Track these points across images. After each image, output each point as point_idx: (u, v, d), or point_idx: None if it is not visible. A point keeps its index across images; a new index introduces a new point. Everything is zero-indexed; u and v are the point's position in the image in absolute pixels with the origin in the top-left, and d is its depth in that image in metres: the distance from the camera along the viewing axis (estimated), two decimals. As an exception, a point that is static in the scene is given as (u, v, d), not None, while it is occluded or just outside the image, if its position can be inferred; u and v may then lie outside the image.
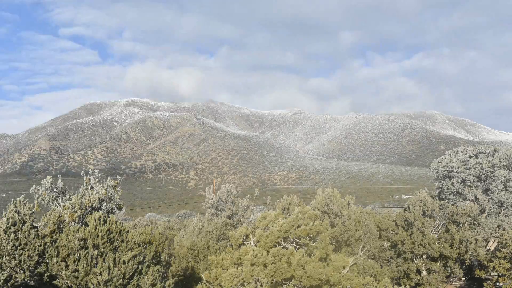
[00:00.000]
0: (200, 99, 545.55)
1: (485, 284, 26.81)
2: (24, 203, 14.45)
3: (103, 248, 14.14)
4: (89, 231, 14.16)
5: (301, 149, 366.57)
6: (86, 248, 13.97)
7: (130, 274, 13.68)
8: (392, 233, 28.76)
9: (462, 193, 31.94)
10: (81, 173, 18.84)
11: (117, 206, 18.55)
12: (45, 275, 13.64)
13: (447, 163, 33.33)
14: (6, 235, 13.29)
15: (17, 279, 12.93)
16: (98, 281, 13.20)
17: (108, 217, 14.89)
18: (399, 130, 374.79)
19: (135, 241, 15.19)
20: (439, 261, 27.83)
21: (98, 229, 14.24)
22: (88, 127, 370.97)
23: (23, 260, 13.23)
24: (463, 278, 31.09)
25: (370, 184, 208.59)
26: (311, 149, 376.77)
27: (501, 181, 31.03)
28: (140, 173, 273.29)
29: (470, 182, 32.09)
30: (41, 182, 17.45)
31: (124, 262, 13.62)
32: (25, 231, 13.51)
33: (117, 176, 20.90)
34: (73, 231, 14.24)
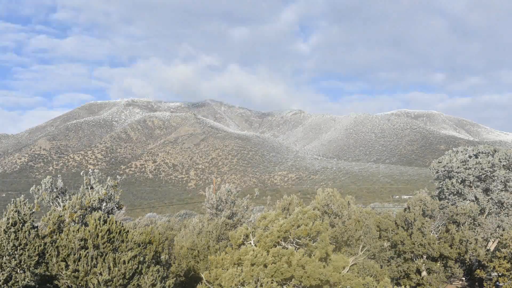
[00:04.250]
0: (200, 98, 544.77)
1: (485, 284, 26.80)
2: (24, 203, 14.45)
3: (103, 248, 14.13)
4: (89, 231, 14.15)
5: (301, 149, 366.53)
6: (86, 248, 13.97)
7: (130, 274, 13.68)
8: (392, 233, 28.76)
9: (462, 193, 31.93)
10: (81, 173, 18.85)
11: (117, 206, 18.55)
12: (45, 275, 13.64)
13: (447, 163, 33.32)
14: (6, 235, 13.28)
15: (17, 279, 12.93)
16: (98, 281, 13.20)
17: (108, 217, 14.88)
18: (399, 130, 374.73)
19: (135, 241, 15.19)
20: (439, 261, 27.83)
21: (98, 229, 14.23)
22: (88, 127, 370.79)
23: (23, 260, 13.22)
24: (464, 278, 31.08)
25: (370, 184, 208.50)
26: (311, 149, 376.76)
27: (501, 181, 31.02)
28: (140, 173, 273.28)
29: (470, 182, 32.08)
30: (41, 182, 17.45)
31: (124, 262, 13.62)
32: (25, 231, 13.51)
33: (117, 176, 20.91)
34: (73, 231, 14.24)
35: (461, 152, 34.59)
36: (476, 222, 29.15)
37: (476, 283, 29.77)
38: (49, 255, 13.70)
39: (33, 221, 14.26)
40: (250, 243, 16.93)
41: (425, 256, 27.69)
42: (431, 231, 28.01)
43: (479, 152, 33.66)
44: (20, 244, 13.35)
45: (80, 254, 13.66)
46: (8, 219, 13.62)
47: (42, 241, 13.81)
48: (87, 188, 18.15)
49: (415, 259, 27.91)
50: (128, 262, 13.69)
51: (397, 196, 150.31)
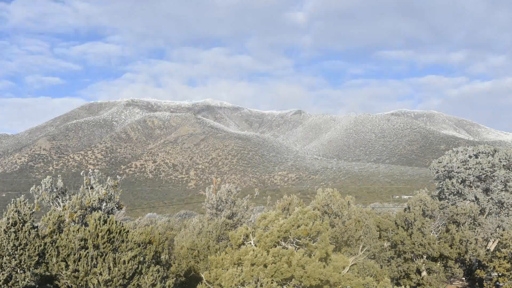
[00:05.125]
0: (200, 98, 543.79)
1: (485, 284, 26.81)
2: (24, 203, 14.44)
3: (103, 248, 14.13)
4: (89, 231, 14.15)
5: (301, 149, 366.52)
6: (86, 248, 13.97)
7: (130, 274, 13.68)
8: (392, 233, 28.76)
9: (462, 193, 31.92)
10: (81, 173, 18.84)
11: (117, 206, 18.55)
12: (45, 275, 13.63)
13: (447, 163, 33.32)
14: (6, 235, 13.28)
15: (17, 279, 12.93)
16: (98, 281, 13.20)
17: (108, 217, 14.87)
18: (399, 130, 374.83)
19: (135, 241, 15.19)
20: (439, 261, 27.83)
21: (98, 229, 14.23)
22: (88, 127, 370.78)
23: (23, 260, 13.22)
24: (464, 278, 31.09)
25: (370, 184, 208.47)
26: (311, 149, 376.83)
27: (501, 181, 31.02)
28: (140, 173, 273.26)
29: (470, 182, 32.08)
30: (41, 182, 17.44)
31: (124, 262, 13.62)
32: (25, 231, 13.51)
33: (117, 176, 20.90)
34: (73, 231, 14.24)
35: (461, 152, 34.58)
36: (476, 222, 29.15)
37: (476, 283, 29.77)
38: (49, 255, 13.70)
39: (33, 221, 14.26)
40: (250, 243, 16.92)
41: (425, 256, 27.69)
42: (431, 231, 28.01)
43: (479, 152, 33.65)
44: (20, 244, 13.35)
45: (80, 254, 13.66)
46: (8, 219, 13.61)
47: (42, 241, 13.81)
48: (87, 188, 18.15)
49: (415, 259, 27.90)
50: (128, 262, 13.69)
51: (397, 196, 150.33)
